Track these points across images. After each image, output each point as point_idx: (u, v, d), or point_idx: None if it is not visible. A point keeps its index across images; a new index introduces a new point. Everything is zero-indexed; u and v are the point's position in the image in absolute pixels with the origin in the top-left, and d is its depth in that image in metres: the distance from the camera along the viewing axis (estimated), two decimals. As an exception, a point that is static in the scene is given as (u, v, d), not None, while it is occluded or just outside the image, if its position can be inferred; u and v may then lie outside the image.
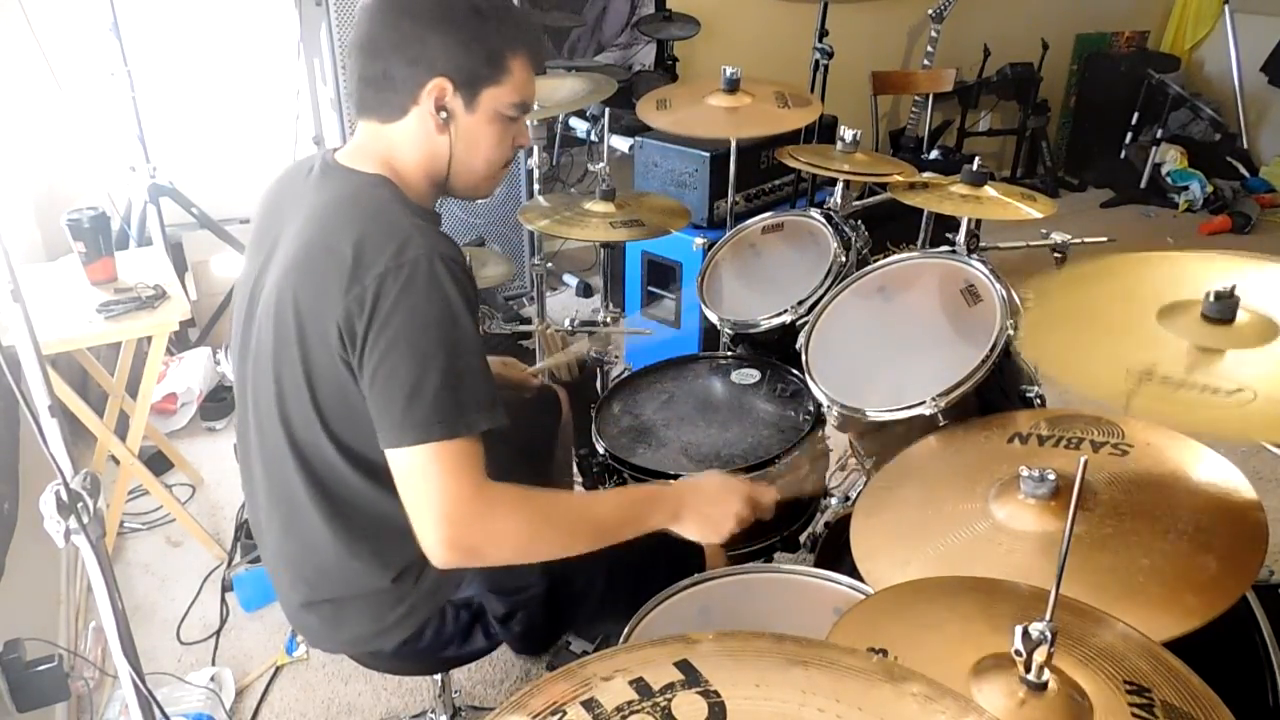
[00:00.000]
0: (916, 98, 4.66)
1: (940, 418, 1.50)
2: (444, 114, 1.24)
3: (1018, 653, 0.81)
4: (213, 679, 2.03)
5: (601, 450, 1.70)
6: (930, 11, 4.54)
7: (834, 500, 1.91)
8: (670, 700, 0.64)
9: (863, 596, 1.19)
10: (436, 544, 1.14)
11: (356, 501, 1.27)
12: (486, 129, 1.27)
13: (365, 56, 1.24)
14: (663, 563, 1.35)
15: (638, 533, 1.28)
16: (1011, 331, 1.52)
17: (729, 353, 2.02)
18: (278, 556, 1.39)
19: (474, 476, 1.15)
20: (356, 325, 1.14)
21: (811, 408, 1.75)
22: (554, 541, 1.24)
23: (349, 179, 1.26)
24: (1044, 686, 0.82)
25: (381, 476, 1.19)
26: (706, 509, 1.32)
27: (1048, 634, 0.79)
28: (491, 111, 1.26)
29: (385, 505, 1.22)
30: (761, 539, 1.70)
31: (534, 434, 1.79)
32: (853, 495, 1.91)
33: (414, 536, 1.16)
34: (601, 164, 2.23)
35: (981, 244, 1.85)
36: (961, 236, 1.81)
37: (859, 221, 2.08)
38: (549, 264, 2.65)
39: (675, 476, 1.59)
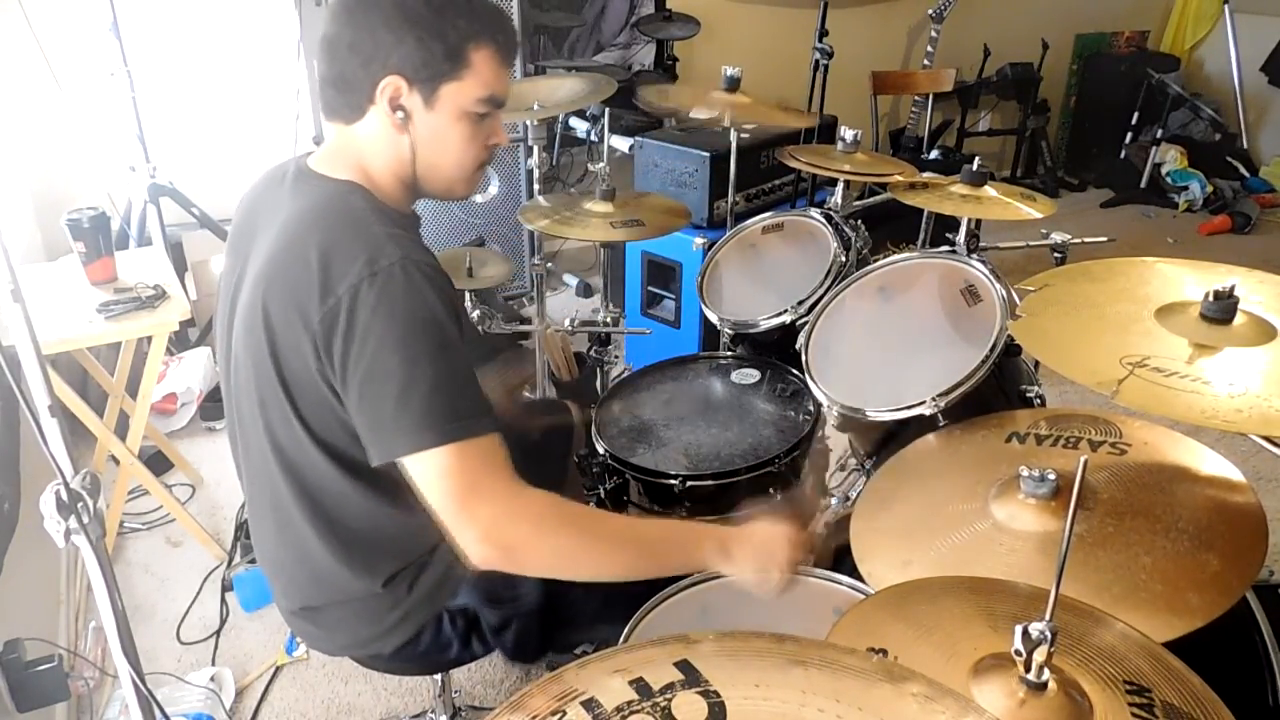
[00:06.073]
0: (916, 98, 4.66)
1: (940, 418, 1.50)
2: (400, 113, 1.19)
3: (1018, 653, 0.81)
4: (213, 679, 2.03)
5: (601, 450, 1.70)
6: (930, 11, 4.54)
7: (834, 500, 1.91)
8: (670, 700, 0.64)
9: (863, 596, 1.19)
10: (472, 541, 1.10)
11: (344, 508, 1.25)
12: (453, 128, 1.22)
13: (324, 57, 1.20)
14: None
15: (684, 564, 1.22)
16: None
17: (729, 353, 2.02)
18: (272, 562, 1.39)
19: (500, 474, 1.12)
20: (334, 339, 1.11)
21: (811, 408, 1.75)
22: (597, 552, 1.18)
23: (320, 186, 1.23)
24: (1044, 686, 0.82)
25: (371, 480, 1.17)
26: (757, 539, 1.24)
27: (1048, 634, 0.79)
28: (456, 109, 1.21)
29: (374, 510, 1.20)
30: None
31: (545, 450, 1.76)
32: (853, 495, 1.91)
33: (403, 542, 1.14)
34: (601, 164, 2.23)
35: (981, 244, 1.85)
36: (961, 236, 1.81)
37: (859, 221, 2.08)
38: (549, 264, 2.64)
39: (675, 477, 1.59)
